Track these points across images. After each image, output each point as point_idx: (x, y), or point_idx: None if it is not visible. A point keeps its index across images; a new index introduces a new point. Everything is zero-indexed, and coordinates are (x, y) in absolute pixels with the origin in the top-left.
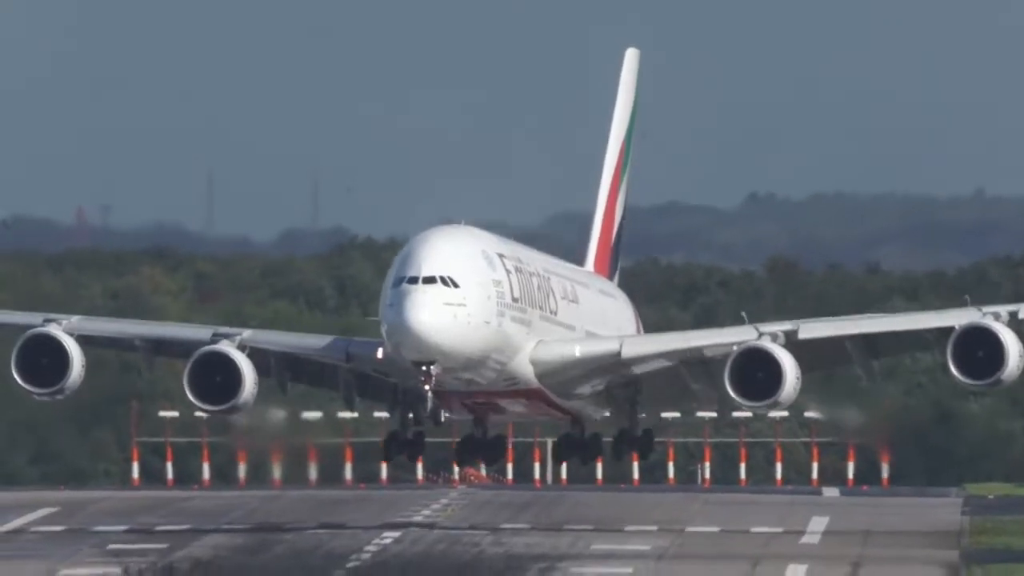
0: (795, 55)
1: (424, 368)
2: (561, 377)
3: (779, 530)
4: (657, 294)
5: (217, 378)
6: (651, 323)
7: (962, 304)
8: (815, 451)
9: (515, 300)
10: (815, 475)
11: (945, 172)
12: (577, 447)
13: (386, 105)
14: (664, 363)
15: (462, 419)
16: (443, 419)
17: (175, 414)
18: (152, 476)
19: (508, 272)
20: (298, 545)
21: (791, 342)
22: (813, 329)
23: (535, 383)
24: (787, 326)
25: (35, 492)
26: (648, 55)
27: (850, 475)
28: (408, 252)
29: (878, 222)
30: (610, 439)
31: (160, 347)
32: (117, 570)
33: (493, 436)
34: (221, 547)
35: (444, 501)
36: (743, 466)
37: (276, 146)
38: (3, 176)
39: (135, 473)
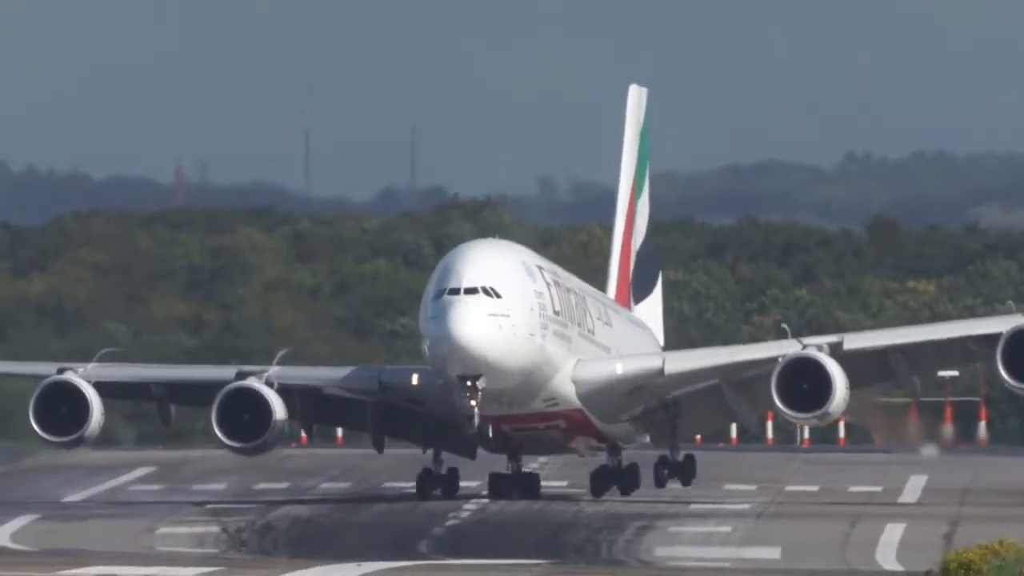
0: (894, 14)
1: (470, 383)
2: (603, 397)
3: (877, 489)
4: (756, 252)
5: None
6: (747, 281)
7: None
8: (913, 411)
9: (556, 313)
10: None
11: None
12: (614, 478)
13: (484, 64)
14: (706, 382)
15: (494, 454)
16: (489, 436)
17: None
18: None
19: (548, 284)
20: (396, 503)
21: (835, 355)
22: (858, 340)
23: (576, 403)
24: (832, 338)
25: (133, 452)
26: (750, 17)
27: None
28: (447, 264)
29: (977, 181)
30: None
31: (179, 393)
32: (216, 529)
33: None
34: (319, 505)
35: (543, 459)
36: (841, 425)
37: (373, 105)
38: (103, 136)
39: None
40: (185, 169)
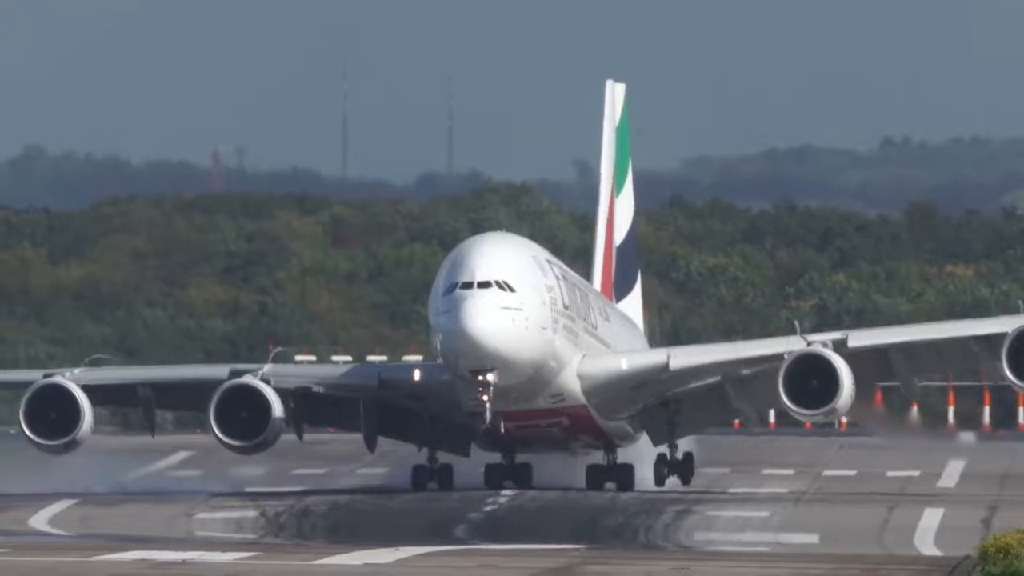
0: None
1: (481, 379)
2: (607, 393)
3: (915, 474)
4: (794, 237)
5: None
6: (785, 266)
7: None
8: (951, 396)
9: (566, 308)
10: (951, 419)
11: None
12: (608, 478)
13: (515, 48)
14: (709, 378)
15: (490, 451)
16: (501, 431)
17: (312, 358)
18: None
19: (557, 279)
20: (435, 489)
21: (839, 352)
22: (862, 337)
23: (581, 399)
24: (836, 335)
25: (172, 436)
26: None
27: (986, 420)
28: (457, 258)
29: (1015, 166)
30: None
31: (169, 394)
32: (254, 513)
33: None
34: (357, 490)
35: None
36: (915, 409)
37: (410, 90)
38: (141, 121)
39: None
40: (223, 154)
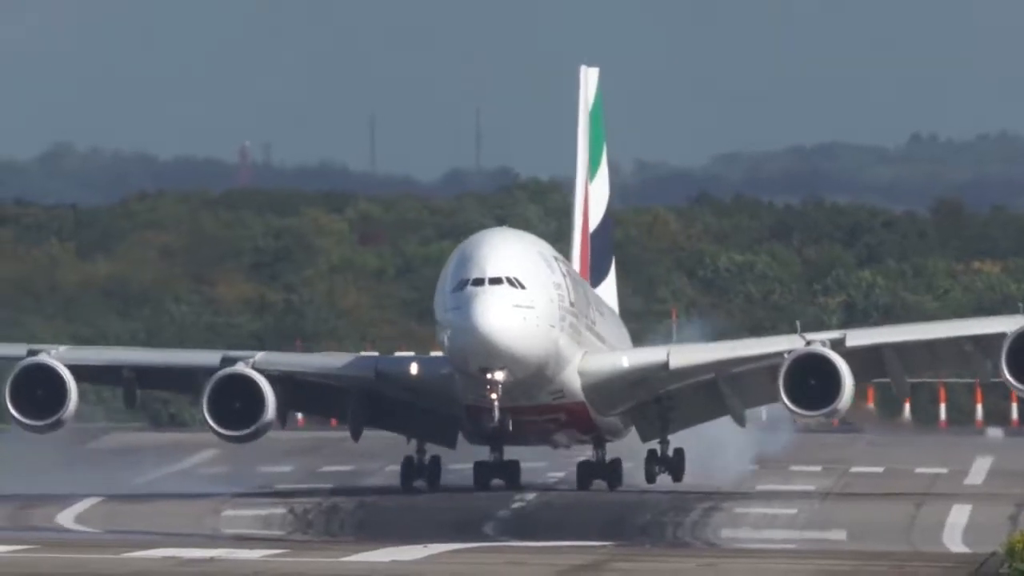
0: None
1: (490, 376)
2: (606, 391)
3: (943, 470)
4: (821, 234)
5: (39, 392)
6: (812, 263)
7: None
8: (978, 392)
9: (572, 305)
10: (979, 416)
11: None
12: (598, 474)
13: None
14: (705, 376)
15: (477, 444)
16: (509, 428)
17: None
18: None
19: (563, 276)
20: (463, 485)
21: (837, 351)
22: (861, 337)
23: (580, 396)
24: (834, 334)
25: (200, 433)
26: None
27: (1014, 416)
28: (467, 254)
29: None
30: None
31: (157, 377)
32: (282, 510)
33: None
34: (386, 487)
35: None
36: (907, 407)
37: (438, 86)
38: (168, 117)
39: (299, 413)
40: (250, 150)
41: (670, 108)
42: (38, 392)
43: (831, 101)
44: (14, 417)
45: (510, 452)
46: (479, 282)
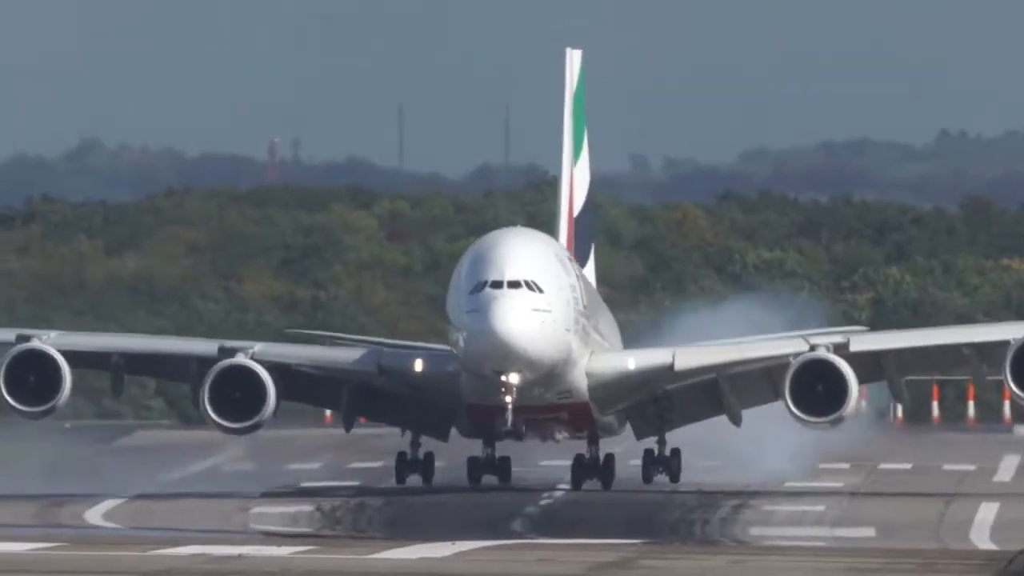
0: None
1: (505, 378)
2: (611, 391)
3: (971, 468)
4: (849, 230)
5: (32, 378)
6: (840, 259)
7: None
8: (1007, 390)
9: (584, 308)
10: (1007, 414)
11: None
12: (592, 472)
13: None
14: (707, 377)
15: (470, 438)
16: (523, 431)
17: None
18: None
19: (577, 277)
20: (492, 482)
21: (841, 355)
22: (865, 342)
23: (585, 397)
24: (837, 338)
25: None
26: None
27: None
28: (483, 254)
29: None
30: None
31: (148, 366)
32: (310, 508)
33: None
34: (413, 484)
35: None
36: (935, 404)
37: (466, 82)
38: (197, 113)
39: (327, 411)
40: (278, 146)
41: (698, 105)
42: (31, 378)
43: (859, 98)
44: (9, 404)
45: (502, 448)
46: (497, 284)
